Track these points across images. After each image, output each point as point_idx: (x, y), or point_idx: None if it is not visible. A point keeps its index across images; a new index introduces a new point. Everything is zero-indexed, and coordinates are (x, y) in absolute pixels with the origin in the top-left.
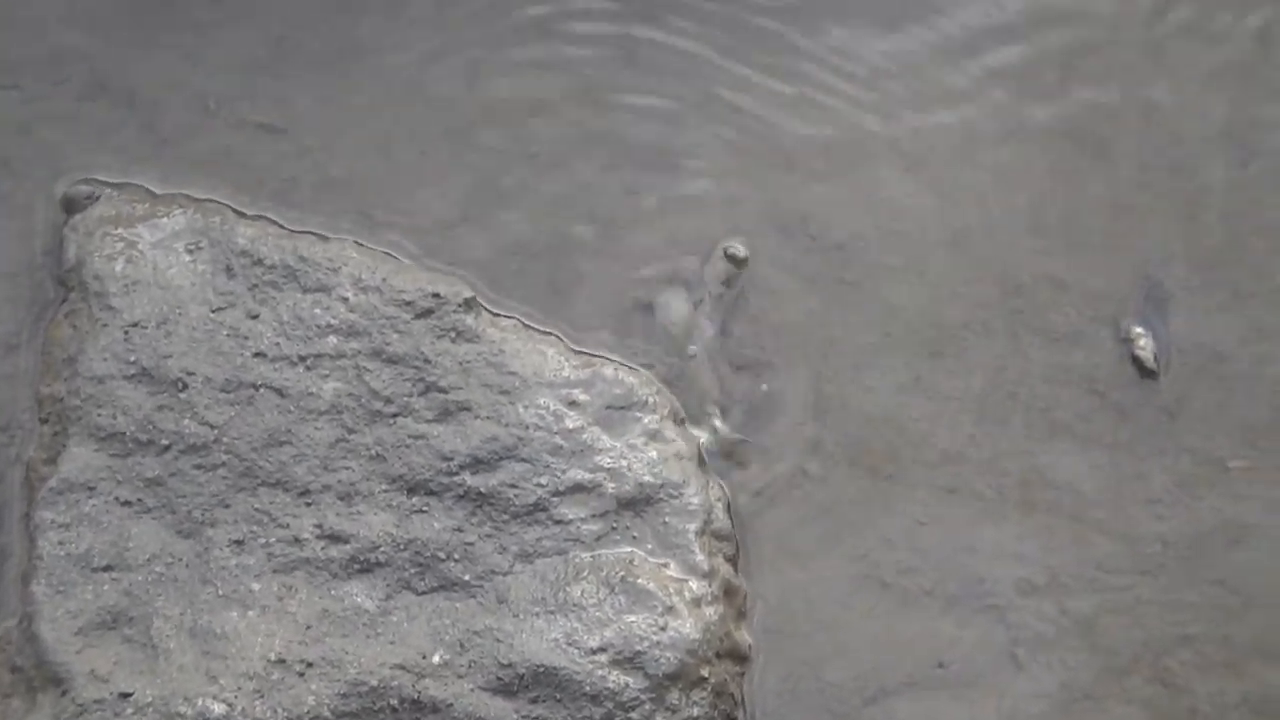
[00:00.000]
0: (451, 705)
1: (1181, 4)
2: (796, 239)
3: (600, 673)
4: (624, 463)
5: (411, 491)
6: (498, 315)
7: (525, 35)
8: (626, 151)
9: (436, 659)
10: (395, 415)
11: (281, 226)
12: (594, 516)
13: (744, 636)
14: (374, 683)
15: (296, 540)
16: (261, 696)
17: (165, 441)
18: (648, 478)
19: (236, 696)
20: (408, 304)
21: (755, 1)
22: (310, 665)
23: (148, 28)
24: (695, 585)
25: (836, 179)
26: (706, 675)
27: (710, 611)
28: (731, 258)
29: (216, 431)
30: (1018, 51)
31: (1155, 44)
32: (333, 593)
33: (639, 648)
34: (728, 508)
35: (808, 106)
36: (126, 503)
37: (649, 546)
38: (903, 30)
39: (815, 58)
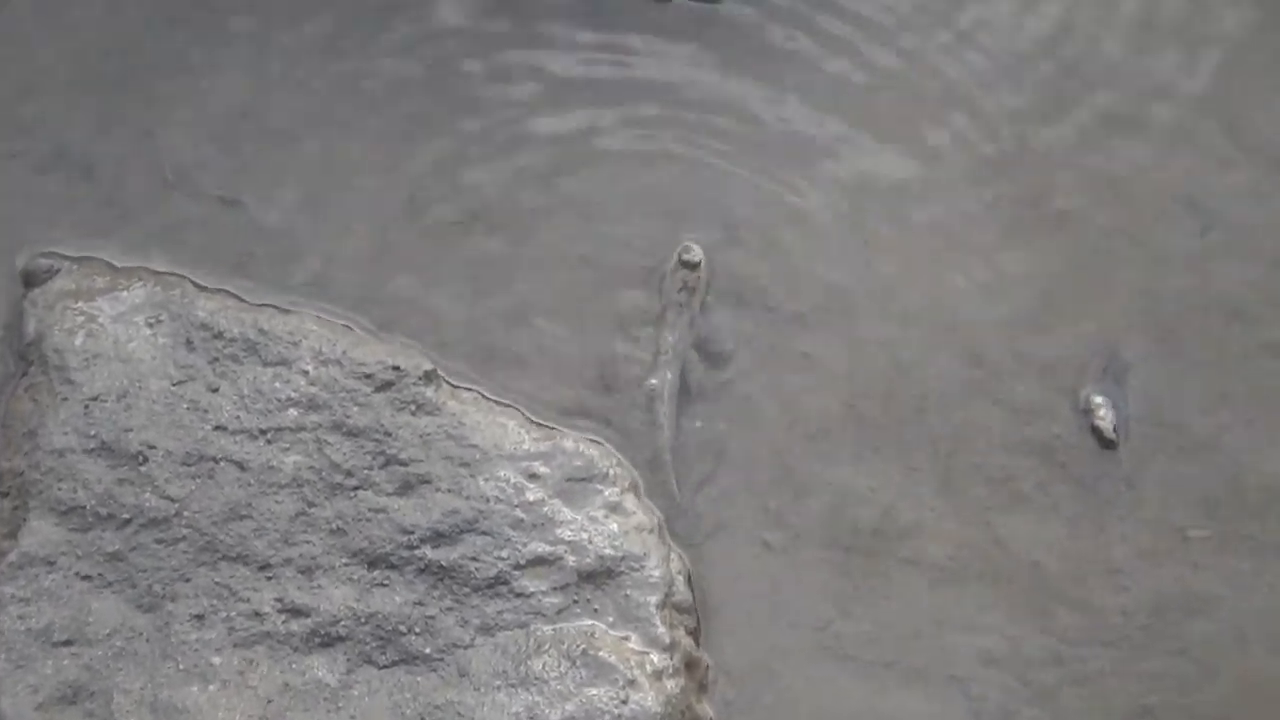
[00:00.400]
0: None
1: (1138, 74)
2: (754, 311)
3: None
4: (585, 535)
5: (372, 565)
6: (458, 387)
7: (489, 124)
8: (584, 224)
9: None
10: (356, 488)
11: (241, 300)
12: (555, 589)
13: (705, 709)
14: None
15: (257, 614)
16: None
17: (126, 515)
18: (609, 550)
19: None
20: (368, 377)
21: (713, 81)
22: None
23: (106, 101)
24: (656, 658)
25: (795, 251)
26: None
27: (672, 684)
28: (686, 264)
29: (177, 505)
30: (976, 121)
31: (1112, 113)
32: (294, 667)
33: None
34: (689, 580)
35: (764, 179)
36: (87, 577)
37: (610, 619)
38: (860, 99)
39: (768, 128)
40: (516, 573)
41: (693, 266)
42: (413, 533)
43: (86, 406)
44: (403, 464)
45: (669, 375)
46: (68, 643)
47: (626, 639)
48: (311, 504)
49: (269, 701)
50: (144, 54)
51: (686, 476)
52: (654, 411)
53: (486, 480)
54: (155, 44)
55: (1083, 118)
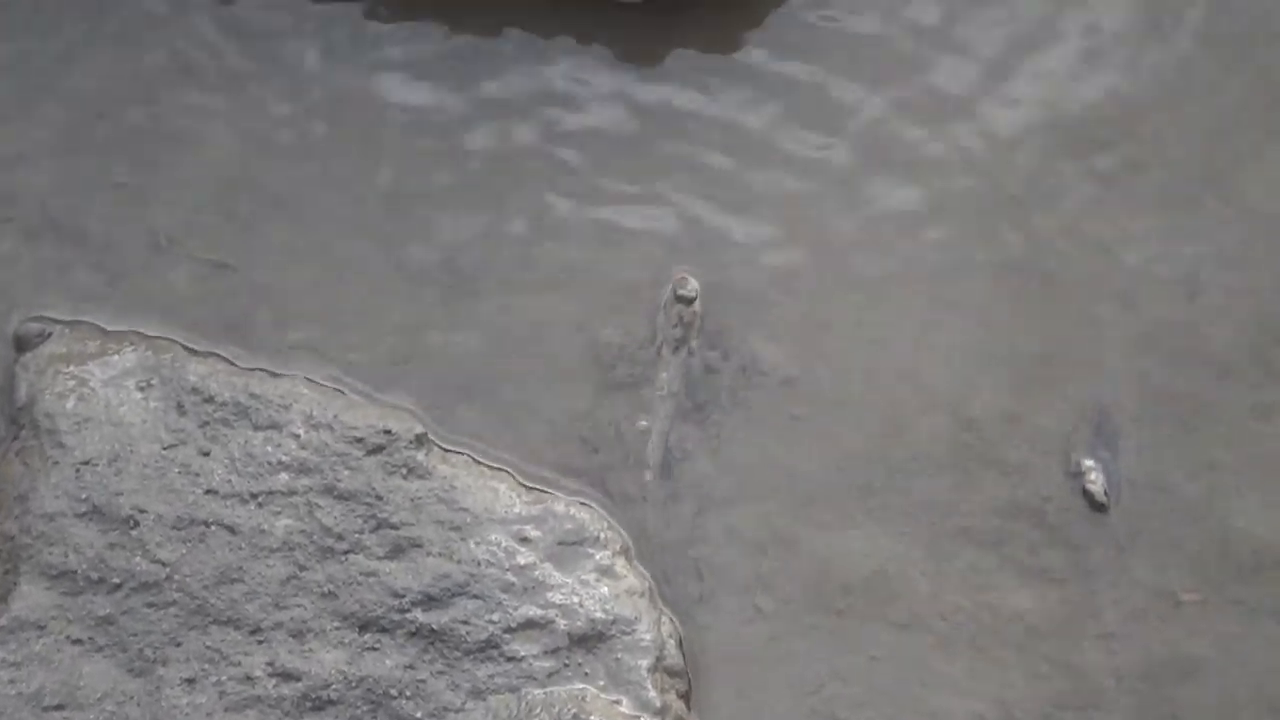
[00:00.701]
0: None
1: (1127, 139)
2: (746, 377)
3: None
4: (576, 599)
5: (363, 628)
6: (449, 451)
7: (476, 187)
8: (572, 283)
9: None
10: (347, 552)
11: (232, 363)
12: (546, 653)
13: None
14: None
15: (248, 678)
16: None
17: (117, 579)
18: (600, 614)
19: None
20: (359, 440)
21: (703, 138)
22: None
23: (97, 165)
24: None
25: (785, 314)
26: None
27: None
28: (681, 298)
29: (168, 569)
30: (964, 185)
31: (1100, 177)
32: None
33: None
34: (680, 643)
35: (755, 243)
36: (78, 641)
37: (601, 683)
38: (851, 160)
39: (760, 193)
40: (507, 636)
41: (688, 301)
42: (404, 596)
43: (78, 470)
44: (394, 527)
45: (663, 411)
46: (59, 707)
47: (618, 703)
48: (303, 567)
49: None
50: (135, 118)
51: (675, 536)
52: (644, 447)
53: (478, 544)
54: (147, 108)
55: (1074, 181)
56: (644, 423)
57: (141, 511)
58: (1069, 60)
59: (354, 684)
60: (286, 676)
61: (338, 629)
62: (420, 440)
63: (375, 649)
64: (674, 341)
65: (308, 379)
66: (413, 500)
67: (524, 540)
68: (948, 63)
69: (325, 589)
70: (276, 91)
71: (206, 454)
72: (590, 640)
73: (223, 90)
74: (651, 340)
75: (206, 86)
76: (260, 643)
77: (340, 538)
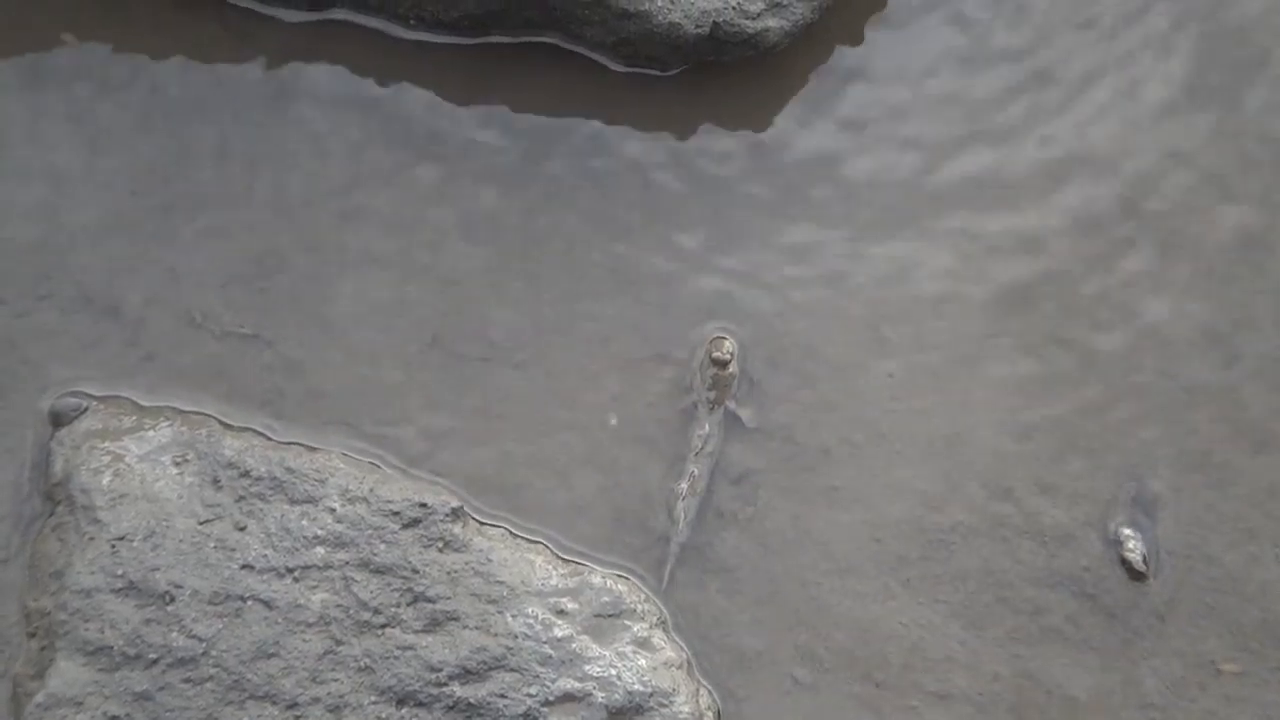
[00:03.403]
0: None
1: (1163, 209)
2: (782, 446)
3: None
4: (613, 671)
5: (401, 703)
6: (484, 524)
7: (507, 260)
8: (606, 354)
9: None
10: (384, 626)
11: (268, 438)
12: None
13: None
14: None
15: None
16: None
17: (153, 655)
18: (637, 686)
19: None
20: (395, 514)
21: (734, 194)
22: None
23: (131, 242)
24: None
25: (820, 385)
26: None
27: None
28: (716, 361)
29: (205, 644)
30: (1001, 256)
31: (1137, 247)
32: None
33: None
34: (718, 716)
35: (790, 311)
36: (115, 718)
37: None
38: (887, 228)
39: (795, 262)
40: (545, 710)
41: (723, 364)
42: (441, 670)
43: (113, 546)
44: (430, 601)
45: (695, 472)
46: None
47: None
48: (339, 642)
49: None
50: (168, 194)
51: (710, 608)
52: (673, 507)
53: (514, 617)
54: (180, 184)
55: (1108, 248)
56: (682, 485)
57: (178, 587)
58: (1111, 125)
59: None
60: None
61: (375, 704)
62: (456, 514)
63: None
64: (709, 403)
65: (343, 453)
66: (449, 574)
67: (561, 613)
68: (979, 132)
69: (362, 663)
70: (306, 168)
71: (242, 529)
72: (628, 713)
73: (253, 165)
74: (688, 400)
75: (237, 161)
76: (297, 718)
77: (377, 611)
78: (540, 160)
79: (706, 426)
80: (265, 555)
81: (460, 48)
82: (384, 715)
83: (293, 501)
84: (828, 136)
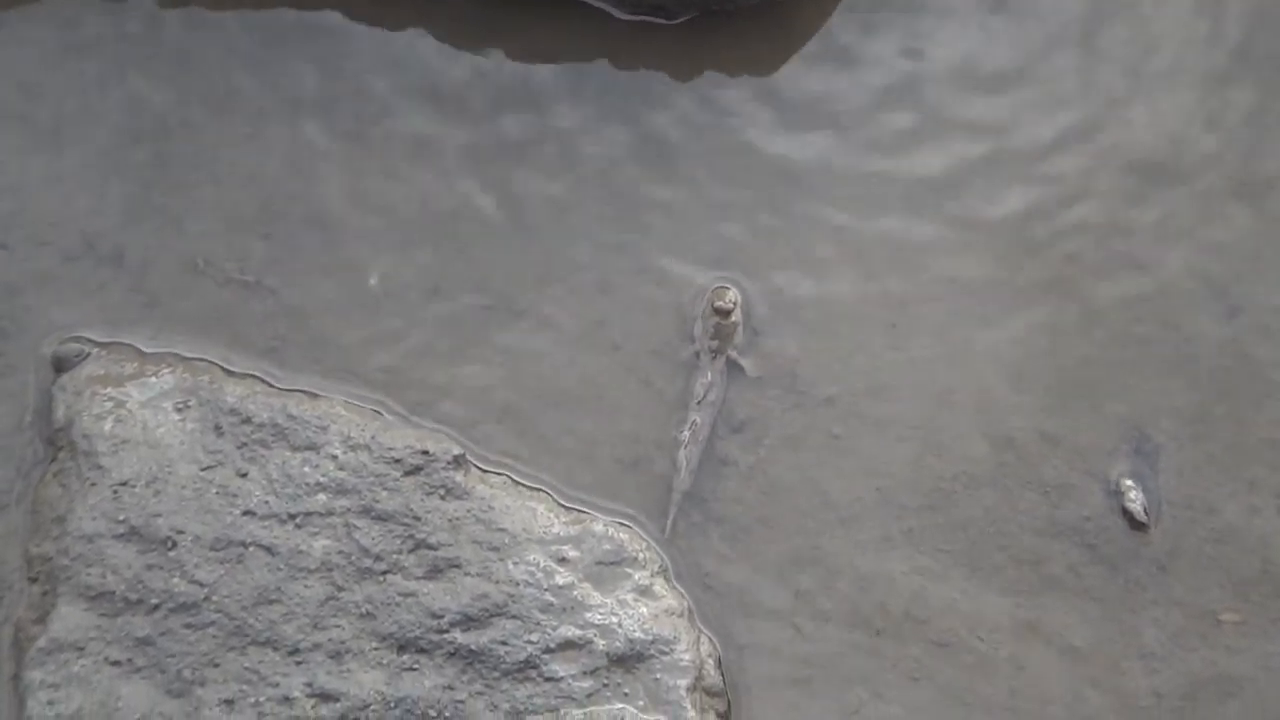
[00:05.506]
0: None
1: (1165, 152)
2: (784, 395)
3: None
4: (615, 619)
5: (402, 649)
6: (487, 471)
7: (517, 209)
8: (616, 305)
9: None
10: (385, 573)
11: (270, 384)
12: (585, 674)
13: None
14: None
15: (287, 699)
16: None
17: (155, 600)
18: (639, 634)
19: None
20: (397, 461)
21: (738, 142)
22: None
23: (135, 189)
24: None
25: (822, 334)
26: None
27: None
28: (719, 310)
29: (206, 590)
30: (1004, 206)
31: (1141, 197)
32: None
33: None
34: (719, 663)
35: (793, 259)
36: (116, 662)
37: (640, 703)
38: (891, 182)
39: (798, 214)
40: (546, 657)
41: (725, 313)
42: (442, 617)
43: (115, 492)
44: (432, 548)
45: (698, 421)
46: None
47: None
48: (341, 588)
49: None
50: (173, 140)
51: (712, 556)
52: (676, 456)
53: (516, 564)
54: (184, 130)
55: (1109, 199)
56: (684, 433)
57: (179, 532)
58: (1113, 80)
59: (392, 705)
60: (325, 697)
61: (376, 650)
62: (458, 461)
63: (414, 670)
64: (711, 352)
65: (345, 400)
66: (451, 521)
67: (562, 560)
68: (982, 83)
69: (363, 609)
70: (313, 111)
71: (244, 475)
72: (629, 660)
73: (259, 113)
74: (690, 350)
75: (243, 109)
76: (299, 664)
77: (378, 558)
78: (543, 110)
79: (709, 375)
80: (267, 502)
81: None
82: (385, 661)
83: (294, 448)
84: (835, 83)
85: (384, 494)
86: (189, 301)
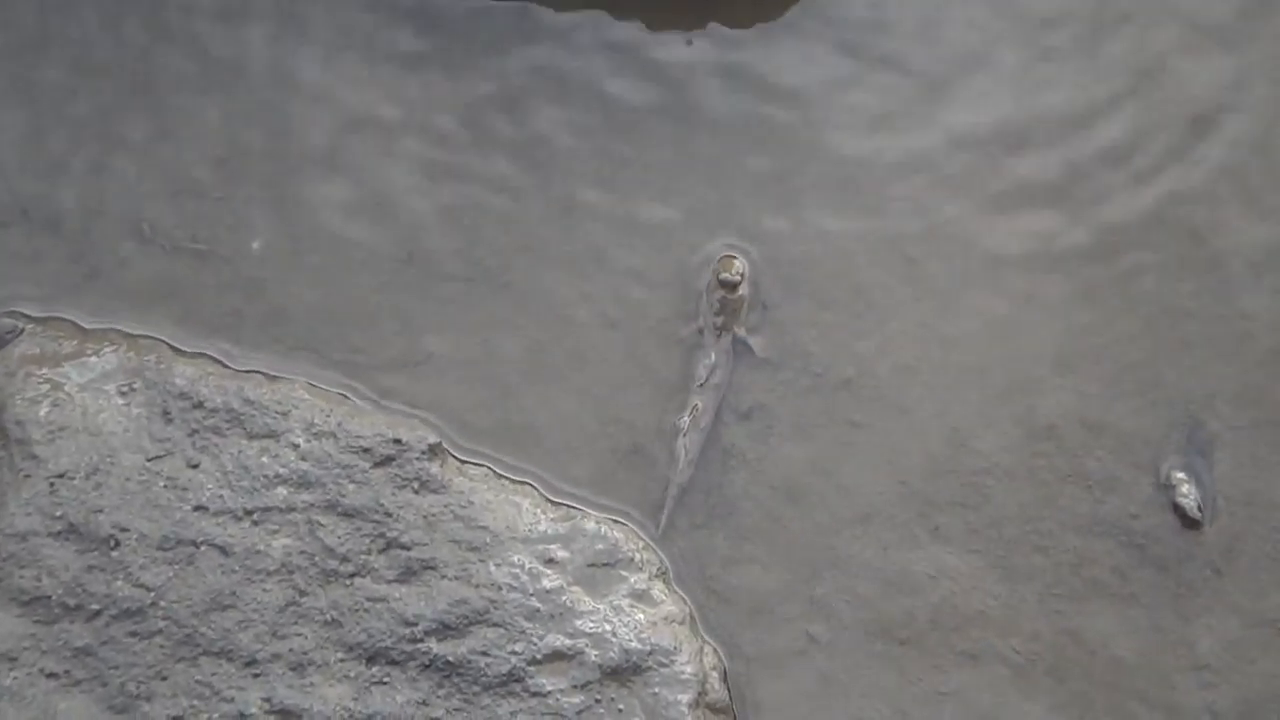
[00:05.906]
0: None
1: (1221, 123)
2: (798, 377)
3: None
4: (608, 627)
5: (371, 660)
6: (465, 462)
7: (504, 168)
8: (604, 276)
9: None
10: (352, 575)
11: (224, 365)
12: (575, 688)
13: None
14: None
15: (242, 716)
16: None
17: (96, 606)
18: (635, 644)
19: None
20: (365, 451)
21: (750, 119)
22: None
23: (74, 147)
24: None
25: (840, 310)
26: None
27: None
28: (724, 283)
29: (153, 594)
30: (1045, 170)
31: (1193, 164)
32: None
33: None
34: (724, 676)
35: (806, 228)
36: (53, 674)
37: None
38: (921, 150)
39: (813, 178)
40: (532, 669)
41: (732, 286)
42: (416, 625)
43: (52, 485)
44: (405, 548)
45: (699, 405)
46: None
47: None
48: (303, 593)
49: None
50: (116, 97)
51: (717, 557)
52: (676, 444)
53: (498, 566)
54: (127, 86)
55: (1157, 166)
56: (684, 420)
57: (123, 530)
58: (1169, 39)
59: None
60: (285, 714)
61: (342, 661)
62: (434, 450)
63: (384, 683)
64: (716, 329)
65: (308, 382)
66: (426, 517)
67: (550, 562)
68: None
69: (328, 616)
70: (266, 67)
71: (195, 466)
72: (624, 673)
73: (209, 63)
74: (692, 327)
75: (192, 60)
76: (256, 676)
77: (345, 559)
78: (534, 71)
79: (713, 355)
80: (221, 496)
81: None
82: (353, 674)
83: (251, 436)
84: (846, 41)
85: (351, 487)
86: (135, 272)
